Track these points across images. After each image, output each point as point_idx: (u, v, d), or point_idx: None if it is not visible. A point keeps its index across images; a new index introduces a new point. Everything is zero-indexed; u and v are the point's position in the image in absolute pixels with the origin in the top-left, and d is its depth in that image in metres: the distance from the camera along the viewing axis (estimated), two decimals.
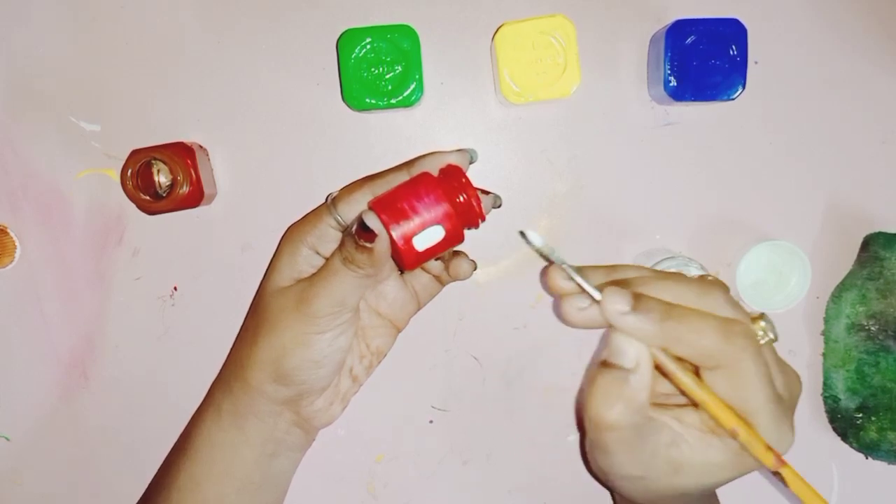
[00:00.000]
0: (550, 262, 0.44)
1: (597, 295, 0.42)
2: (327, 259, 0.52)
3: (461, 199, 0.50)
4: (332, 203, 0.53)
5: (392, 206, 0.48)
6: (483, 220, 0.51)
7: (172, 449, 0.60)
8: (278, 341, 0.52)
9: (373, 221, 0.48)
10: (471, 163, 0.52)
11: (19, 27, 0.61)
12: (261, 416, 0.55)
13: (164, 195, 0.58)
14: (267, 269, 0.55)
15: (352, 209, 0.52)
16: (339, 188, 0.54)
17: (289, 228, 0.55)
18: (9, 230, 0.62)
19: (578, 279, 0.43)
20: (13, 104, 0.61)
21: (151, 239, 0.62)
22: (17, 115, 0.61)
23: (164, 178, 0.59)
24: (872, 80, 0.62)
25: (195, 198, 0.58)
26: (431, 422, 0.64)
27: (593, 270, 0.47)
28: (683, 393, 0.44)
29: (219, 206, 0.62)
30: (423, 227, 0.48)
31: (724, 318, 0.43)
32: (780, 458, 0.44)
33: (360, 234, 0.48)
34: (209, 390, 0.59)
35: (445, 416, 0.64)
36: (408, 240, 0.48)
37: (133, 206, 0.59)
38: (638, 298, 0.42)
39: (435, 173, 0.51)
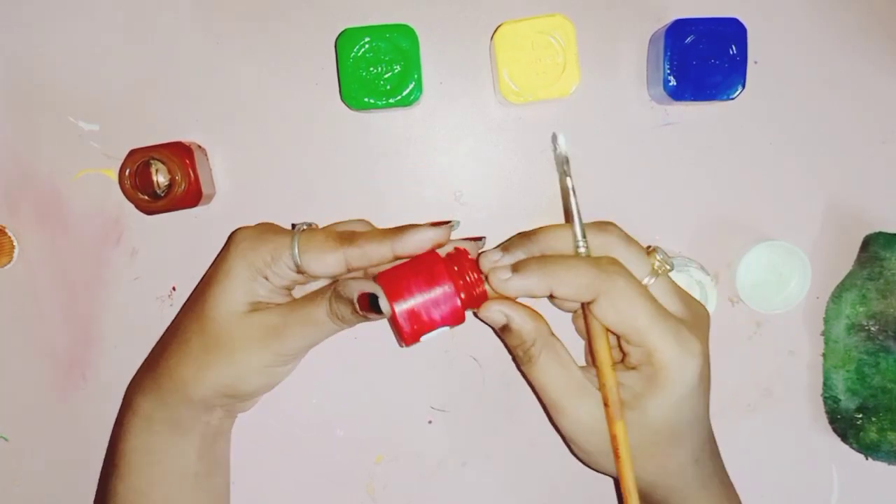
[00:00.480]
0: (566, 172, 0.50)
1: (579, 234, 0.49)
2: (297, 300, 0.53)
3: (475, 292, 0.51)
4: (298, 247, 0.51)
5: (402, 291, 0.50)
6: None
7: (103, 473, 0.59)
8: (236, 370, 0.52)
9: (384, 306, 0.49)
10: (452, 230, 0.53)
11: (18, 26, 0.61)
12: (198, 418, 0.55)
13: (163, 195, 0.58)
14: (211, 284, 0.53)
15: (318, 265, 0.51)
16: (303, 222, 0.54)
17: (239, 245, 0.52)
18: (7, 230, 0.61)
19: (575, 214, 0.49)
20: (12, 103, 0.61)
21: (150, 239, 0.62)
22: (15, 114, 0.61)
23: (162, 178, 0.59)
24: (872, 80, 0.62)
25: (193, 197, 0.58)
26: (430, 422, 0.64)
27: (519, 241, 0.52)
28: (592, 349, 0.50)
29: (218, 206, 0.62)
30: (433, 327, 0.50)
31: (595, 257, 0.49)
32: (619, 412, 0.48)
33: (364, 307, 0.49)
34: (129, 400, 0.57)
35: (445, 416, 0.64)
36: (416, 333, 0.50)
37: (131, 206, 0.59)
38: (516, 265, 0.49)
39: (424, 248, 0.51)
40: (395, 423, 0.64)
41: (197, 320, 0.53)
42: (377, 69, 0.56)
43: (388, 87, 0.56)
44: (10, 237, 0.61)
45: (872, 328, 0.61)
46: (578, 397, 0.50)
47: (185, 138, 0.61)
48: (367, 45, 0.56)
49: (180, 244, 0.62)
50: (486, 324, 0.51)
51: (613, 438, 0.49)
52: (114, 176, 0.61)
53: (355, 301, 0.49)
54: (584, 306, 0.49)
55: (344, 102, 0.57)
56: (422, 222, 0.52)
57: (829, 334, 0.63)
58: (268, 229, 0.54)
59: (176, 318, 0.58)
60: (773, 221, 0.63)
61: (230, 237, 0.54)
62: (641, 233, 0.62)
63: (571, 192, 0.49)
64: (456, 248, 0.53)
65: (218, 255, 0.56)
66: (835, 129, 0.62)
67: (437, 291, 0.50)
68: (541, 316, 0.51)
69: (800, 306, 0.63)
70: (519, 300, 0.51)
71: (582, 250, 0.49)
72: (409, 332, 0.50)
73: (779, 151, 0.62)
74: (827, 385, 0.63)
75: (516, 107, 0.60)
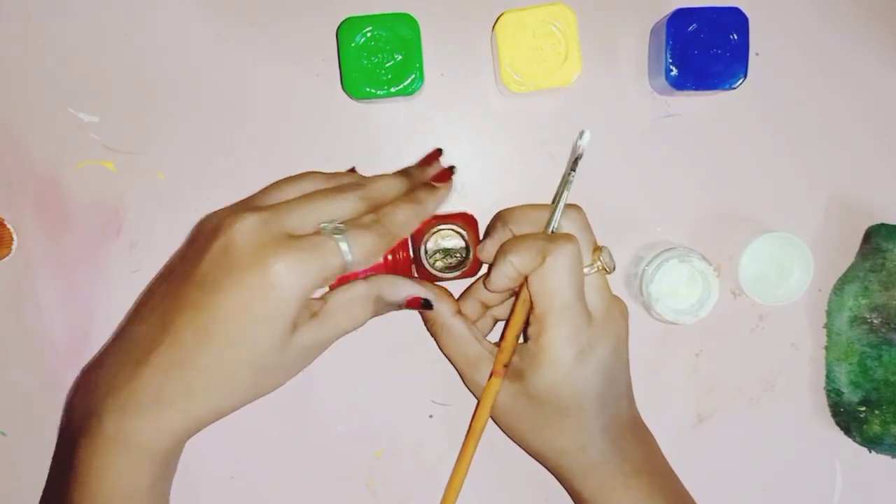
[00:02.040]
0: (573, 167, 0.54)
1: (555, 223, 0.53)
2: (327, 306, 0.52)
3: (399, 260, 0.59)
4: (352, 259, 0.49)
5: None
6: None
7: (56, 481, 0.53)
8: (260, 392, 0.52)
9: (438, 306, 0.57)
10: None
11: (18, 18, 0.61)
12: (172, 439, 0.50)
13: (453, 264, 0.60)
14: (249, 319, 0.47)
15: (367, 264, 0.51)
16: (328, 221, 0.51)
17: (282, 277, 0.47)
18: (6, 222, 0.61)
19: (560, 204, 0.53)
20: (11, 95, 0.61)
21: (149, 231, 0.62)
22: (15, 106, 0.61)
23: (448, 244, 0.61)
24: (874, 71, 0.62)
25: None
26: (431, 416, 0.64)
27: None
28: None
29: (218, 198, 0.62)
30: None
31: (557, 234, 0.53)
32: (503, 370, 0.54)
33: (416, 305, 0.56)
34: (100, 420, 0.49)
35: (446, 410, 0.64)
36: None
37: (131, 198, 0.59)
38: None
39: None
40: (396, 417, 0.64)
41: (233, 357, 0.48)
42: (378, 58, 0.56)
43: (390, 77, 0.56)
44: (9, 229, 0.61)
45: (875, 321, 0.61)
46: (476, 369, 0.55)
47: (186, 130, 0.61)
48: (368, 34, 0.56)
49: (180, 237, 0.62)
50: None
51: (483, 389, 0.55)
52: (114, 168, 0.61)
53: (403, 305, 0.55)
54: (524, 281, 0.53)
55: (345, 92, 0.57)
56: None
57: (831, 327, 0.62)
58: (293, 241, 0.48)
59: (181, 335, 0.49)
60: (776, 213, 0.62)
61: (236, 244, 0.48)
62: (643, 224, 0.62)
63: (567, 186, 0.54)
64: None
65: (235, 266, 0.48)
66: (837, 121, 0.62)
67: None
68: (445, 294, 0.57)
69: (802, 299, 0.62)
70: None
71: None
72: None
73: (781, 143, 0.62)
74: (830, 378, 0.63)
75: (518, 97, 0.60)
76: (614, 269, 0.54)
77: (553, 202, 0.54)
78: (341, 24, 0.56)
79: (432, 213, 0.55)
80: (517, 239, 0.53)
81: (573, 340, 0.51)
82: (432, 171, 0.58)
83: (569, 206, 0.54)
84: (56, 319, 0.62)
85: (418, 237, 0.59)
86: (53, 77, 0.61)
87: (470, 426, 0.55)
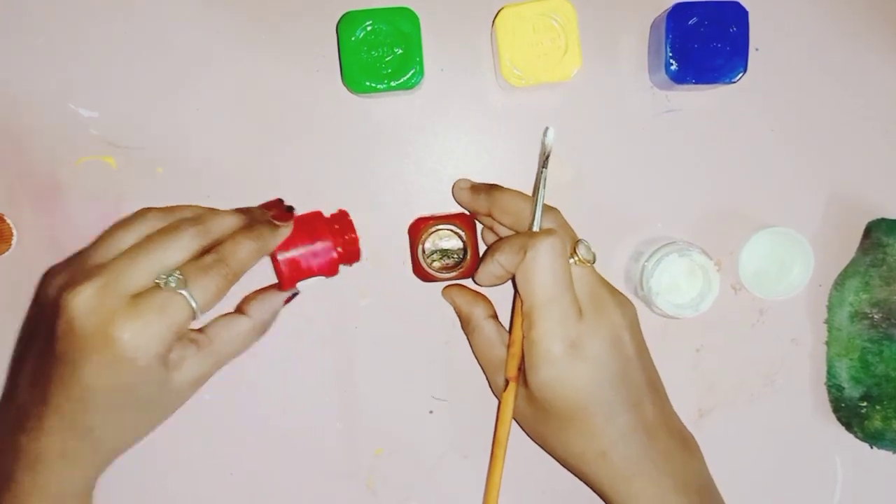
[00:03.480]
0: (543, 164, 0.55)
1: (536, 227, 0.54)
2: (209, 343, 0.54)
3: (351, 249, 0.58)
4: (199, 308, 0.49)
5: (286, 244, 0.56)
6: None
7: None
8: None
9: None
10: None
11: (18, 13, 0.61)
12: (91, 483, 0.54)
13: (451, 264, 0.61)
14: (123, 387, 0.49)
15: (216, 300, 0.51)
16: (167, 275, 0.49)
17: (133, 345, 0.47)
18: (6, 217, 0.61)
19: (539, 202, 0.54)
20: (11, 91, 0.61)
21: None
22: (15, 101, 0.61)
23: (446, 244, 0.61)
24: (874, 66, 0.62)
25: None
26: (431, 413, 0.64)
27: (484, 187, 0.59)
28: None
29: (218, 195, 0.62)
30: (310, 274, 0.57)
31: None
32: (516, 377, 0.54)
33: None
34: (13, 463, 0.50)
35: (446, 407, 0.64)
36: (293, 278, 0.57)
37: (131, 193, 0.59)
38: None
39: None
40: (396, 414, 0.64)
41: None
42: (379, 52, 0.56)
43: (390, 71, 0.56)
44: (9, 224, 0.61)
45: (876, 316, 0.60)
46: (499, 373, 0.57)
47: (185, 124, 0.61)
48: (368, 28, 0.56)
49: None
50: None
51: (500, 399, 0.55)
52: (114, 163, 0.61)
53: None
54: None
55: (345, 86, 0.57)
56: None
57: (832, 322, 0.62)
58: (133, 306, 0.47)
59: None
60: (776, 208, 0.62)
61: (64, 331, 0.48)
62: (643, 219, 0.62)
63: (543, 184, 0.54)
64: (340, 210, 0.60)
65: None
66: (837, 116, 0.62)
67: (318, 246, 0.56)
68: (483, 299, 0.60)
69: (802, 294, 0.62)
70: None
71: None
72: (287, 277, 0.56)
73: (781, 139, 0.62)
74: (830, 373, 0.63)
75: (518, 91, 0.60)
76: (594, 260, 0.53)
77: (532, 202, 0.55)
78: (341, 18, 0.56)
79: (271, 251, 0.55)
80: (503, 239, 0.54)
81: (560, 334, 0.51)
82: (272, 211, 0.57)
83: (546, 206, 0.55)
84: None
85: (416, 237, 0.59)
86: (53, 73, 0.61)
87: (494, 437, 0.55)
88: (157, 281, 0.48)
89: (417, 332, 0.62)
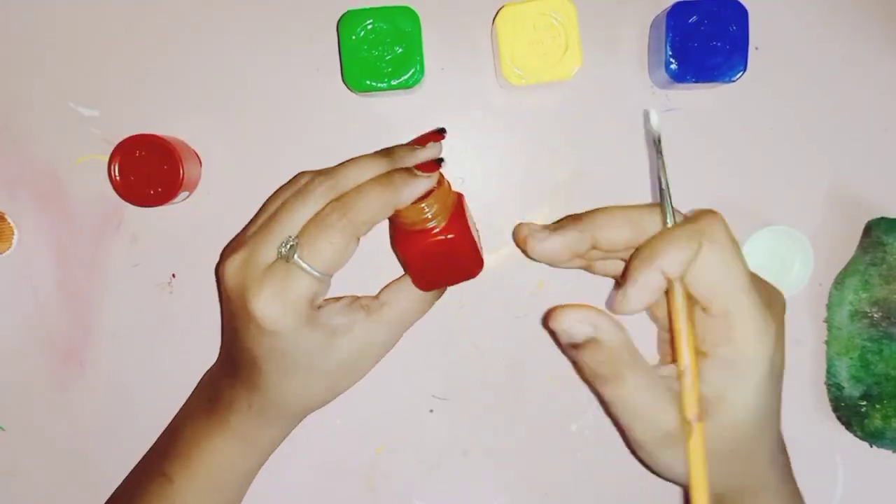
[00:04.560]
0: (657, 149, 0.49)
1: (670, 221, 0.46)
2: (385, 308, 0.55)
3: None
4: (317, 267, 0.48)
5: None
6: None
7: (157, 455, 0.58)
8: (322, 386, 0.55)
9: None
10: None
11: (18, 11, 0.61)
12: (274, 441, 0.57)
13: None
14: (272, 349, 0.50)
15: (341, 261, 0.49)
16: (283, 243, 0.49)
17: (265, 310, 0.48)
18: (6, 216, 0.61)
19: (667, 195, 0.47)
20: (11, 89, 0.61)
21: (150, 226, 0.62)
22: (15, 100, 0.61)
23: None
24: (875, 65, 0.62)
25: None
26: (432, 411, 0.64)
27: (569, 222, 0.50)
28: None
29: (218, 193, 0.62)
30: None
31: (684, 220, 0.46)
32: (701, 415, 0.44)
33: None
34: (215, 410, 0.55)
35: (446, 405, 0.64)
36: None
37: None
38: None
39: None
40: (396, 412, 0.64)
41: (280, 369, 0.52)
42: (379, 51, 0.56)
43: (390, 69, 0.56)
44: (9, 223, 0.61)
45: (875, 315, 0.60)
46: (665, 412, 0.45)
47: (184, 123, 0.61)
48: (369, 27, 0.56)
49: (180, 231, 0.62)
50: (558, 338, 0.46)
51: (688, 449, 0.45)
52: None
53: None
54: (669, 283, 0.45)
55: (345, 85, 0.57)
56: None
57: (832, 321, 0.62)
58: (264, 276, 0.48)
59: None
60: (775, 207, 0.62)
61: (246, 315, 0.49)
62: None
63: (664, 172, 0.47)
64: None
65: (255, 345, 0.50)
66: (837, 115, 0.62)
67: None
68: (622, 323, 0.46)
69: (802, 293, 0.62)
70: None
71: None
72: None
73: (781, 137, 0.62)
74: (830, 372, 0.63)
75: (518, 90, 0.60)
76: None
77: (661, 196, 0.47)
78: (342, 16, 0.56)
79: (407, 202, 0.50)
80: (652, 241, 0.45)
81: (767, 329, 0.44)
82: (422, 154, 0.52)
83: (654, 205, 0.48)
84: (56, 313, 0.62)
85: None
86: (53, 71, 0.61)
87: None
88: (278, 250, 0.48)
89: (418, 331, 0.62)
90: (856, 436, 0.62)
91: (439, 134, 0.54)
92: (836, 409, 0.63)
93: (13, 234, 0.61)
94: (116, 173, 0.57)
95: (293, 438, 0.62)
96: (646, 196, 0.62)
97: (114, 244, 0.62)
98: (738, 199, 0.62)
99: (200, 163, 0.61)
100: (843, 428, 0.63)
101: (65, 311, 0.62)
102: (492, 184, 0.62)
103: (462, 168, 0.62)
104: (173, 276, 0.62)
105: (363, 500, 0.64)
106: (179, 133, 0.61)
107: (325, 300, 0.53)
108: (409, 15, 0.56)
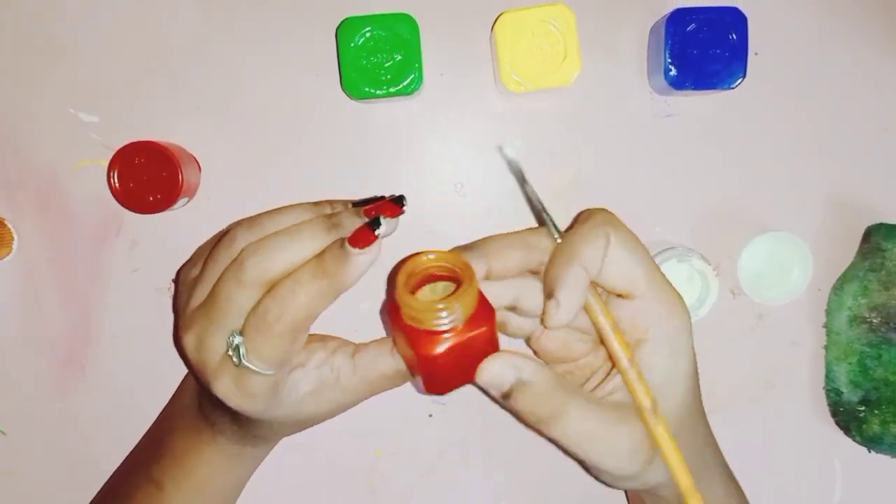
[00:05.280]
0: (521, 182, 0.49)
1: (556, 233, 0.47)
2: (357, 371, 0.51)
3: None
4: (264, 368, 0.46)
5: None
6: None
7: (144, 458, 0.58)
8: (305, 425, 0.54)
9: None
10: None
11: (18, 17, 0.61)
12: (263, 452, 0.58)
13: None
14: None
15: (290, 357, 0.47)
16: (231, 339, 0.46)
17: (246, 413, 0.48)
18: (6, 222, 0.61)
19: (545, 213, 0.47)
20: (12, 95, 0.61)
21: (149, 231, 0.62)
22: (15, 105, 0.61)
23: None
24: (874, 70, 0.62)
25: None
26: (431, 415, 0.64)
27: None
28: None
29: (217, 198, 0.62)
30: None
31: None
32: (656, 402, 0.44)
33: None
34: (194, 417, 0.56)
35: (445, 410, 0.64)
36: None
37: None
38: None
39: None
40: (395, 416, 0.64)
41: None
42: (378, 58, 0.56)
43: (389, 77, 0.56)
44: (9, 229, 0.61)
45: (874, 320, 0.60)
46: (616, 430, 0.44)
47: (183, 129, 0.61)
48: (367, 34, 0.56)
49: (180, 236, 0.62)
50: (487, 391, 0.44)
51: (655, 441, 0.45)
52: None
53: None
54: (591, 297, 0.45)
55: (344, 92, 0.57)
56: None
57: (831, 326, 0.62)
58: (218, 371, 0.47)
59: None
60: (775, 212, 0.62)
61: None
62: (642, 223, 0.62)
63: (535, 195, 0.48)
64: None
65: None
66: (836, 120, 0.62)
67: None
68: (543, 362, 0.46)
69: (801, 298, 0.62)
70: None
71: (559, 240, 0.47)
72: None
73: (780, 142, 0.62)
74: (829, 377, 0.63)
75: (517, 97, 0.60)
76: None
77: (544, 215, 0.47)
78: (341, 24, 0.56)
79: (349, 287, 0.44)
80: (561, 247, 0.45)
81: (672, 297, 0.45)
82: (376, 227, 0.45)
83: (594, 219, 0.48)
84: (56, 318, 0.62)
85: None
86: (53, 77, 0.61)
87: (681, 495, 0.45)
88: (228, 352, 0.46)
89: None
90: (854, 441, 0.62)
91: (398, 206, 0.47)
92: (834, 413, 0.63)
93: (13, 239, 0.61)
94: (116, 181, 0.57)
95: (293, 442, 0.63)
96: (643, 200, 0.62)
97: (114, 249, 0.62)
98: (738, 205, 0.62)
99: (200, 168, 0.61)
100: (841, 433, 0.63)
101: (65, 316, 0.62)
102: (491, 189, 0.62)
103: (461, 174, 0.62)
104: (173, 281, 0.62)
105: (363, 502, 0.64)
106: (179, 139, 0.61)
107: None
108: (408, 22, 0.56)
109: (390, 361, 0.50)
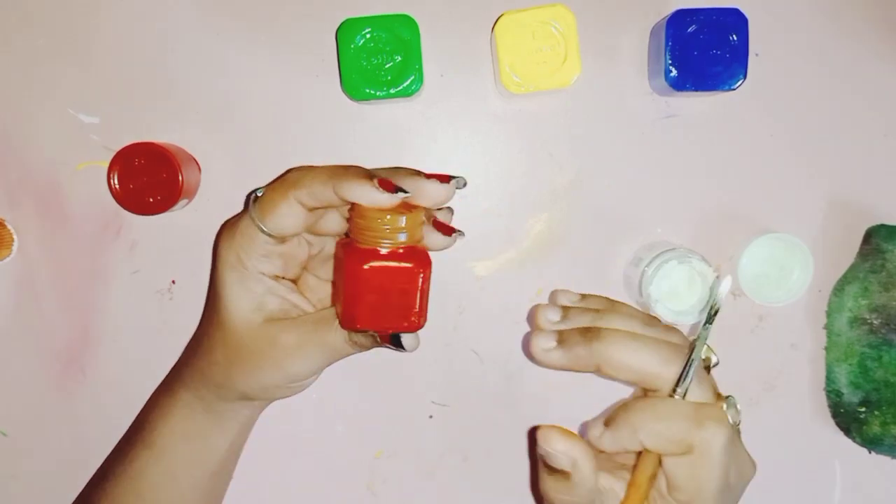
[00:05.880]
0: (709, 318, 0.47)
1: (680, 390, 0.45)
2: (316, 318, 0.51)
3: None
4: (254, 212, 0.49)
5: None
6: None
7: (130, 442, 0.57)
8: (259, 382, 0.52)
9: (408, 342, 0.49)
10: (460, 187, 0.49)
11: (18, 19, 0.61)
12: (235, 410, 0.55)
13: None
14: (216, 296, 0.51)
15: (279, 220, 0.48)
16: (257, 189, 0.50)
17: (218, 251, 0.51)
18: (6, 223, 0.61)
19: (693, 364, 0.45)
20: (11, 96, 0.61)
21: (149, 232, 0.62)
22: (15, 107, 0.61)
23: None
24: (874, 72, 0.62)
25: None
26: (431, 417, 0.64)
27: (564, 294, 0.52)
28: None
29: (217, 199, 0.62)
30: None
31: (696, 404, 0.45)
32: None
33: (386, 341, 0.49)
34: (170, 387, 0.56)
35: (445, 411, 0.64)
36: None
37: None
38: (608, 420, 0.46)
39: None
40: (396, 417, 0.64)
41: (218, 328, 0.52)
42: (378, 59, 0.56)
43: (389, 78, 0.56)
44: (9, 230, 0.61)
45: (875, 321, 0.60)
46: None
47: (184, 130, 0.61)
48: (367, 36, 0.56)
49: (180, 238, 0.62)
50: (541, 457, 0.46)
51: None
52: None
53: (381, 342, 0.50)
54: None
55: (345, 93, 0.57)
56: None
57: (831, 327, 0.62)
58: (233, 220, 0.52)
59: (203, 316, 0.56)
60: (775, 214, 0.62)
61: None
62: (643, 225, 0.62)
63: (701, 342, 0.46)
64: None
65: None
66: (837, 122, 0.62)
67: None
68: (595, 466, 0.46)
69: (802, 299, 0.62)
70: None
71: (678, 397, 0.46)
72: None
73: (780, 144, 0.62)
74: (829, 379, 0.63)
75: (517, 98, 0.60)
76: (740, 421, 0.47)
77: (688, 366, 0.45)
78: (341, 25, 0.56)
79: (350, 198, 0.46)
80: (650, 410, 0.45)
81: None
82: (431, 189, 0.48)
83: (668, 328, 0.49)
84: (56, 320, 0.62)
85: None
86: (53, 78, 0.61)
87: None
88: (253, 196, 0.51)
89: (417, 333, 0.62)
90: (854, 442, 0.62)
91: (451, 178, 0.49)
92: (835, 415, 0.63)
93: (13, 240, 0.61)
94: (116, 182, 0.57)
95: (294, 442, 0.63)
96: (643, 202, 0.62)
97: (114, 250, 0.62)
98: (738, 206, 0.62)
99: (200, 169, 0.61)
100: (841, 434, 0.63)
101: (65, 318, 0.62)
102: (491, 190, 0.62)
103: (461, 174, 0.62)
104: (173, 282, 0.62)
105: (363, 503, 0.64)
106: (179, 140, 0.61)
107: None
108: (408, 23, 0.56)
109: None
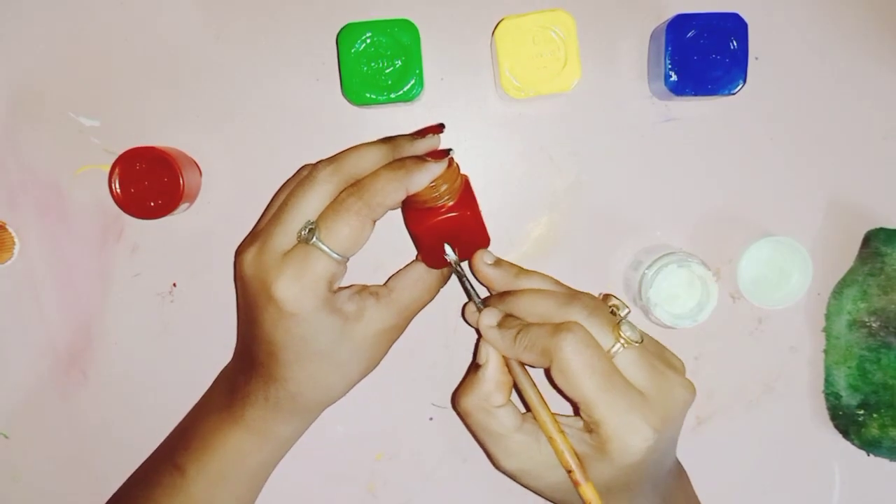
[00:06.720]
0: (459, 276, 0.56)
1: (479, 306, 0.54)
2: (393, 293, 0.55)
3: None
4: (335, 249, 0.50)
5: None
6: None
7: (169, 446, 0.58)
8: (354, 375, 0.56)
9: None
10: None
11: (19, 22, 0.61)
12: (298, 427, 0.57)
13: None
14: (310, 334, 0.51)
15: (360, 244, 0.51)
16: (303, 227, 0.51)
17: (286, 299, 0.50)
18: (7, 226, 0.61)
19: (472, 293, 0.56)
20: (12, 99, 0.61)
21: (150, 235, 0.62)
22: (16, 110, 0.61)
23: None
24: (874, 76, 0.62)
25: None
26: (431, 419, 0.64)
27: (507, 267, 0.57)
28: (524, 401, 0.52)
29: (218, 203, 0.62)
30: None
31: (557, 323, 0.49)
32: (585, 474, 0.49)
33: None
34: (231, 405, 0.56)
35: (445, 413, 0.64)
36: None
37: None
38: (504, 319, 0.52)
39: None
40: (396, 419, 0.64)
41: (337, 352, 0.53)
42: (378, 64, 0.56)
43: (390, 83, 0.56)
44: (10, 233, 0.61)
45: (874, 324, 0.61)
46: (553, 470, 0.51)
47: (185, 134, 0.61)
48: (368, 41, 0.56)
49: (181, 241, 0.62)
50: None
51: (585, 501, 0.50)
52: None
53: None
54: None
55: (345, 97, 0.57)
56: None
57: (830, 330, 0.63)
58: (282, 261, 0.50)
59: (261, 352, 0.54)
60: (775, 217, 0.63)
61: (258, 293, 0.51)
62: (642, 228, 0.62)
63: (470, 285, 0.56)
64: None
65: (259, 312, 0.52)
66: (836, 125, 0.62)
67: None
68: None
69: (801, 302, 0.62)
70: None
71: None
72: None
73: (780, 147, 0.62)
74: (828, 381, 0.63)
75: (517, 102, 0.60)
76: (642, 339, 0.50)
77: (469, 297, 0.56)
78: (341, 30, 0.56)
79: (420, 188, 0.51)
80: (526, 330, 0.51)
81: (632, 427, 0.48)
82: (425, 144, 0.54)
83: (570, 295, 0.53)
84: (57, 323, 0.63)
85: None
86: (54, 81, 0.61)
87: None
88: (297, 235, 0.50)
89: (418, 339, 0.62)
90: (853, 444, 0.63)
91: (439, 128, 0.55)
92: (833, 417, 0.63)
93: (14, 244, 0.62)
94: (117, 186, 0.57)
95: (295, 445, 0.63)
96: (643, 205, 0.62)
97: (115, 254, 0.62)
98: (737, 210, 0.62)
99: (201, 173, 0.61)
100: (840, 436, 0.63)
101: (67, 321, 0.63)
102: (492, 194, 0.62)
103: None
104: (174, 285, 0.63)
105: None
106: (180, 143, 0.61)
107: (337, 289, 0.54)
108: (409, 28, 0.56)
109: (417, 275, 0.56)
